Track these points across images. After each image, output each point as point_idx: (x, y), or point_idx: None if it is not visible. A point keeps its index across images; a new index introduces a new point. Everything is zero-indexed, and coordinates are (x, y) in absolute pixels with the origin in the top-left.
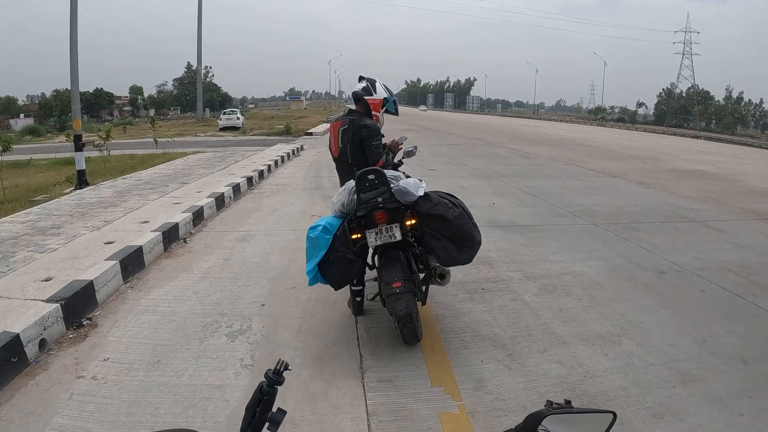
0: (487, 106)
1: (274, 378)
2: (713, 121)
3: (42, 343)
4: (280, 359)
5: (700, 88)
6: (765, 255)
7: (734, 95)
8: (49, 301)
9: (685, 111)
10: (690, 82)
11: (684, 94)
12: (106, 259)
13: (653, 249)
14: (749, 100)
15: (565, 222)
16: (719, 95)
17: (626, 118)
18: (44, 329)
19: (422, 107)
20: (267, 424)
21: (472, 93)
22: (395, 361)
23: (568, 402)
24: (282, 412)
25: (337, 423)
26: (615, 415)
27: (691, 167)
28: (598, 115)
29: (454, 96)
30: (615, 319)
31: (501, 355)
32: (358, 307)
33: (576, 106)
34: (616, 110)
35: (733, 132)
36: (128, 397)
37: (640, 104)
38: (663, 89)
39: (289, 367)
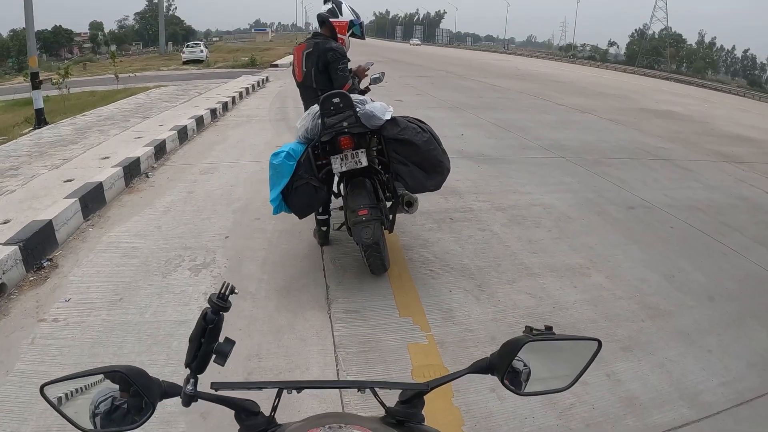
0: (457, 40)
1: (219, 303)
2: (684, 65)
3: (1, 288)
4: (224, 282)
5: (673, 31)
6: (732, 196)
7: (707, 40)
8: (7, 243)
9: (656, 52)
10: (663, 24)
11: (656, 36)
12: (65, 198)
13: (622, 184)
14: (721, 45)
15: (534, 155)
16: (692, 39)
17: (597, 57)
18: (3, 273)
19: (415, 41)
20: (214, 356)
21: (441, 26)
22: (362, 292)
23: (549, 328)
24: (230, 343)
25: (303, 355)
26: (600, 342)
27: (661, 107)
28: (569, 53)
29: (424, 29)
30: (584, 252)
31: (470, 286)
32: (323, 237)
33: (547, 42)
34: (587, 48)
35: (703, 76)
36: (91, 338)
37: (611, 43)
38: (635, 30)
39: (236, 291)
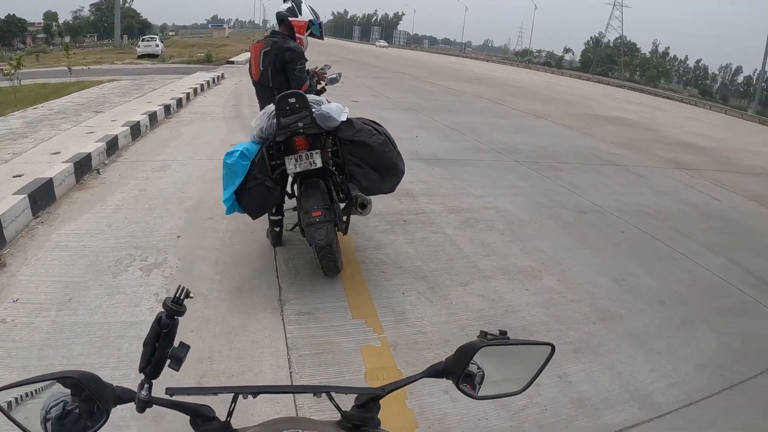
0: (414, 42)
1: (174, 308)
2: (637, 73)
3: None
4: (180, 285)
5: (628, 40)
6: (682, 202)
7: (660, 50)
8: None
9: (611, 60)
10: (618, 33)
11: (611, 44)
12: (14, 194)
13: (575, 189)
14: (674, 55)
15: (488, 158)
16: (646, 48)
17: (552, 63)
18: None
19: (381, 42)
20: (168, 361)
21: (399, 27)
22: (315, 293)
23: (503, 333)
24: (185, 347)
25: (256, 357)
26: (553, 347)
27: (614, 114)
28: (525, 58)
29: (381, 30)
30: (536, 255)
31: (422, 288)
32: (276, 238)
33: (503, 47)
34: (543, 54)
35: (656, 85)
36: (39, 340)
37: (567, 50)
38: (591, 37)
39: (191, 295)
